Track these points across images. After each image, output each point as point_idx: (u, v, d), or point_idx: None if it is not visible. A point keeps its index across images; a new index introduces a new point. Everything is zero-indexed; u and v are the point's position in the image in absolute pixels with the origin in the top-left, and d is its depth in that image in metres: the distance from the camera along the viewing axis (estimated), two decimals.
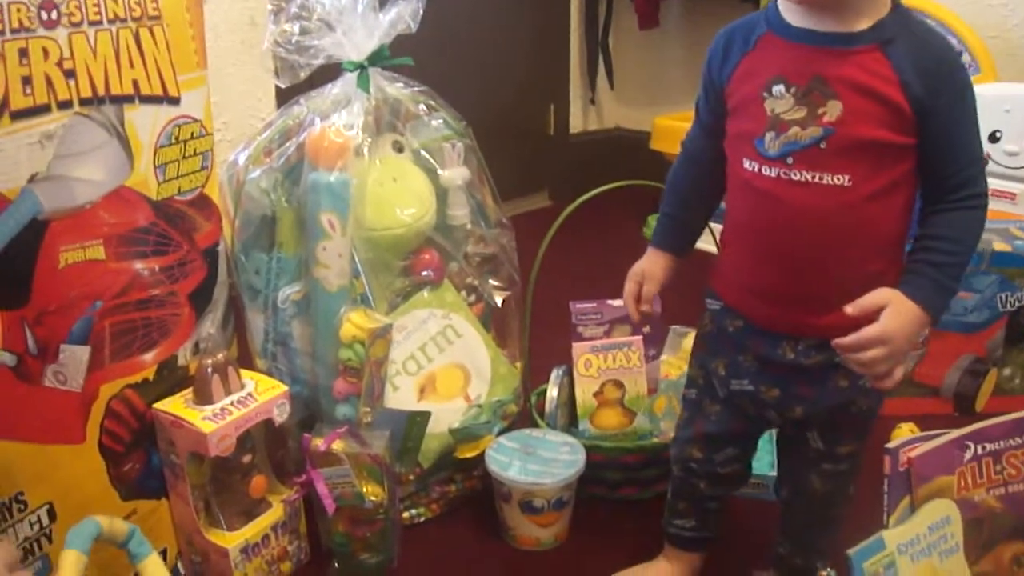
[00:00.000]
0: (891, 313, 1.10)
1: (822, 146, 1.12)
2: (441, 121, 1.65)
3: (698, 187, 1.32)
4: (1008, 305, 1.98)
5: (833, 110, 1.11)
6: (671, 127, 3.00)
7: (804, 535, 1.39)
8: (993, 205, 2.45)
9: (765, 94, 1.16)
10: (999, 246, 1.94)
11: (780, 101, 1.15)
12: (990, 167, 2.48)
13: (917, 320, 1.12)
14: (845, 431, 1.30)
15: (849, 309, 1.11)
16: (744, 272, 1.26)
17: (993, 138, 2.49)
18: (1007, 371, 2.04)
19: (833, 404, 1.26)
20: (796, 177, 1.14)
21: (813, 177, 1.13)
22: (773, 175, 1.15)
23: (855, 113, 1.11)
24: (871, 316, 1.10)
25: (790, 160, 1.14)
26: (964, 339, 2.00)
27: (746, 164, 1.19)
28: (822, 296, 1.17)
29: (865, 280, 1.14)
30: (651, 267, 1.37)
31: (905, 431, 1.76)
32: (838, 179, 1.12)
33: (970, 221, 1.14)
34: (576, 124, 3.66)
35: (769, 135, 1.15)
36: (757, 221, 1.21)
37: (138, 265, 1.34)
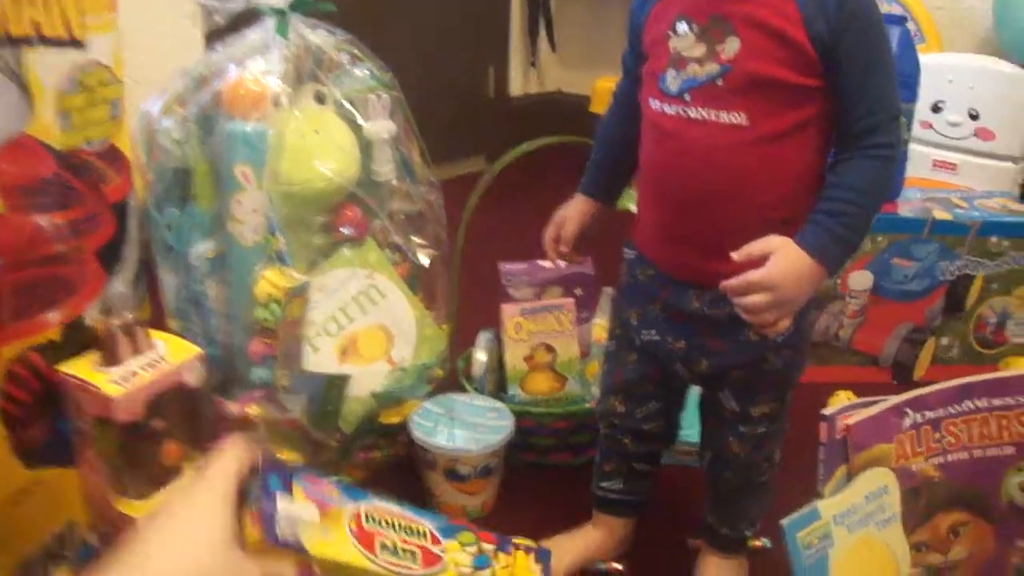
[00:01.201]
0: (778, 259, 1.09)
1: (719, 83, 1.12)
2: (367, 71, 1.59)
3: (623, 134, 1.30)
4: (948, 274, 1.98)
5: (731, 47, 1.11)
6: (611, 89, 2.94)
7: (729, 503, 1.38)
8: (935, 175, 2.52)
9: (670, 32, 1.16)
10: (940, 214, 1.95)
11: (682, 40, 1.15)
12: (932, 137, 2.50)
13: (807, 269, 1.10)
14: (759, 391, 1.28)
15: (735, 255, 1.10)
16: (650, 216, 1.26)
17: (936, 108, 2.52)
18: (945, 340, 2.05)
19: (742, 361, 1.25)
20: (693, 114, 1.14)
21: (709, 114, 1.13)
22: (672, 112, 1.16)
23: (753, 51, 1.10)
24: (759, 263, 1.09)
25: (688, 97, 1.14)
26: (903, 307, 2.00)
27: (651, 103, 1.19)
28: (722, 241, 1.15)
29: (770, 227, 1.12)
30: (571, 211, 1.38)
31: (842, 398, 1.74)
32: (734, 117, 1.11)
33: (874, 171, 1.13)
34: (516, 87, 3.63)
35: (670, 72, 1.16)
36: (659, 160, 1.21)
37: (40, 219, 1.27)
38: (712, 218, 1.17)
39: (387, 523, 0.91)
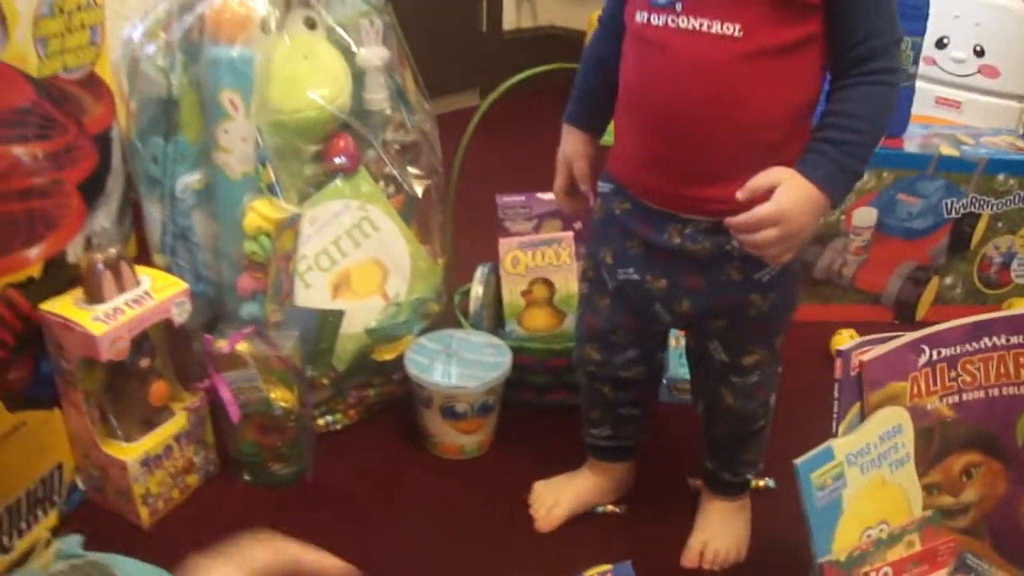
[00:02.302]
0: (785, 191, 1.05)
1: None
2: None
3: (609, 57, 1.24)
4: (953, 212, 1.96)
5: None
6: None
7: (727, 451, 1.37)
8: (937, 112, 2.48)
9: None
10: (946, 151, 1.92)
11: None
12: (936, 74, 2.49)
13: (814, 201, 1.07)
14: (747, 340, 1.26)
15: (739, 194, 1.07)
16: (631, 141, 1.21)
17: (940, 44, 2.50)
18: (949, 279, 2.03)
19: (725, 303, 1.22)
20: (684, 24, 1.08)
21: (701, 25, 1.07)
22: (660, 23, 1.10)
23: None
24: (763, 198, 1.06)
25: (679, 7, 1.09)
26: (907, 245, 1.98)
27: (638, 17, 1.13)
28: (709, 164, 1.13)
29: (758, 151, 1.09)
30: (572, 147, 1.33)
31: (845, 337, 1.76)
32: (727, 28, 1.06)
33: (877, 97, 1.09)
34: (509, 21, 3.58)
35: None
36: (641, 77, 1.16)
37: (17, 150, 1.24)
38: (698, 139, 1.12)
39: None
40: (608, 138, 1.31)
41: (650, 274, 1.23)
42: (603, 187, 1.28)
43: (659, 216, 1.19)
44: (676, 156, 1.14)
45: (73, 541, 1.07)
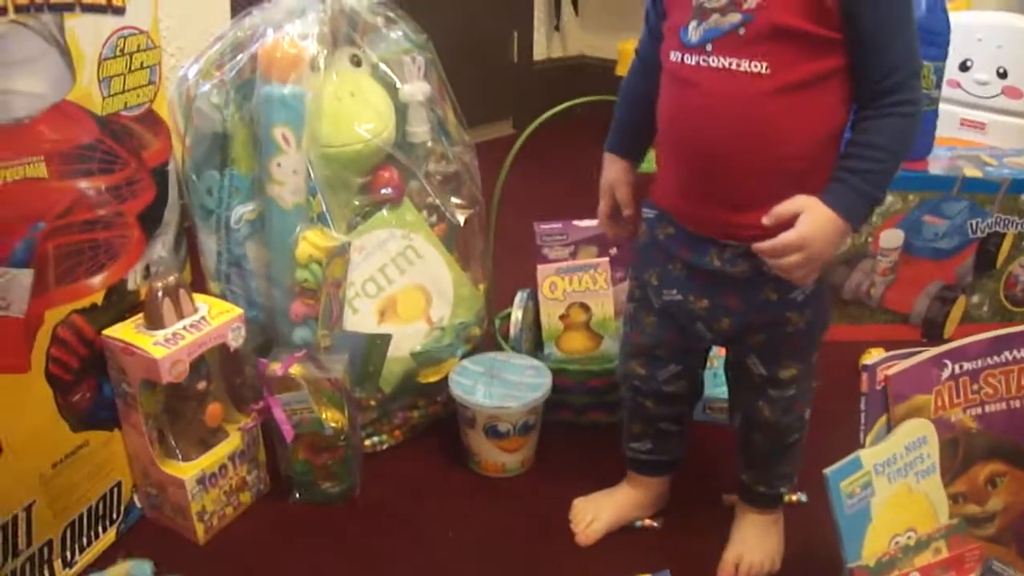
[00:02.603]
0: (807, 219, 1.11)
1: (740, 32, 1.11)
2: (401, 34, 1.59)
3: (646, 91, 1.29)
4: (978, 232, 1.97)
5: None
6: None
7: (763, 463, 1.38)
8: (963, 135, 2.49)
9: None
10: (970, 172, 1.93)
11: None
12: (960, 96, 2.48)
13: (834, 228, 1.12)
14: (784, 354, 1.28)
15: (765, 220, 1.12)
16: (671, 171, 1.26)
17: (964, 67, 2.49)
18: (976, 298, 2.04)
19: (763, 320, 1.25)
20: (714, 64, 1.13)
21: (730, 64, 1.12)
22: (693, 63, 1.15)
23: (774, 0, 1.09)
24: (788, 223, 1.11)
25: (709, 47, 1.13)
26: (934, 265, 1.99)
27: (672, 56, 1.19)
28: (742, 193, 1.17)
29: (788, 179, 1.13)
30: (614, 173, 1.38)
31: (874, 356, 1.75)
32: (755, 66, 1.11)
33: (898, 128, 1.13)
34: (540, 51, 3.61)
35: (692, 24, 1.15)
36: (678, 112, 1.21)
37: (83, 184, 1.28)
38: (732, 169, 1.16)
39: None
40: (647, 165, 1.36)
41: (692, 295, 1.27)
42: (647, 213, 1.32)
43: (699, 240, 1.24)
44: (711, 185, 1.19)
45: (145, 568, 1.12)
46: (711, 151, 1.17)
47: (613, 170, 1.38)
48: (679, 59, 1.17)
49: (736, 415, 1.38)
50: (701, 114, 1.16)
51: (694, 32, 1.14)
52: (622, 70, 3.02)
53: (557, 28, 3.62)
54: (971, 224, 1.96)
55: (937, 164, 1.97)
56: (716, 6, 1.12)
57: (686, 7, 1.15)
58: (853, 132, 1.15)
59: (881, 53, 1.10)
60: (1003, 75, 2.44)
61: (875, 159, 1.12)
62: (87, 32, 1.26)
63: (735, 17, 1.11)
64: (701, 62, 1.14)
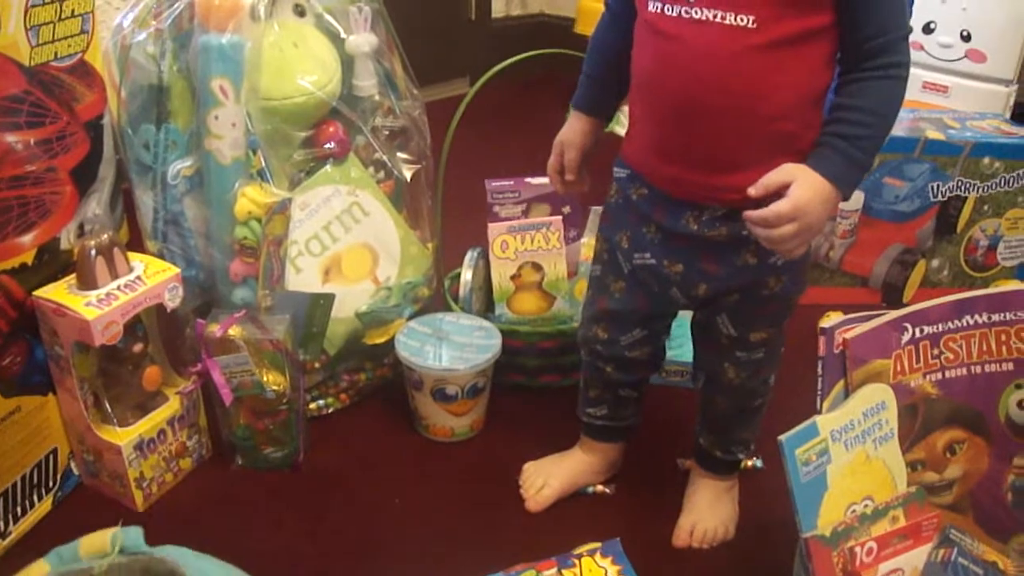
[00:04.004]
0: (799, 187, 1.07)
1: None
2: None
3: (617, 44, 1.24)
4: (939, 195, 1.96)
5: None
6: (597, 9, 2.91)
7: (723, 426, 1.37)
8: (925, 98, 2.48)
9: None
10: (932, 134, 1.92)
11: None
12: (923, 59, 2.49)
13: (827, 195, 1.08)
14: (757, 316, 1.26)
15: (752, 191, 1.08)
16: (646, 128, 1.21)
17: (927, 29, 2.50)
18: (936, 262, 2.04)
19: (740, 284, 1.23)
20: (698, 15, 1.08)
21: (715, 16, 1.07)
22: (674, 14, 1.10)
23: None
24: (777, 193, 1.07)
25: None
26: (894, 228, 1.99)
27: (651, 6, 1.13)
28: (724, 154, 1.13)
29: (772, 140, 1.10)
30: (569, 134, 1.33)
31: (833, 320, 1.74)
32: (741, 19, 1.06)
33: (887, 91, 1.09)
34: (499, 9, 3.58)
35: None
36: (656, 67, 1.15)
37: (10, 138, 1.25)
38: (714, 129, 1.12)
39: None
40: (615, 126, 1.31)
41: (667, 259, 1.24)
42: (619, 172, 1.28)
43: (676, 203, 1.20)
44: (691, 145, 1.14)
45: (135, 534, 1.08)
46: (692, 108, 1.12)
47: (572, 129, 1.33)
48: (659, 9, 1.11)
49: (700, 376, 1.37)
50: (682, 69, 1.11)
51: None
52: (582, 28, 3.00)
53: None
54: (932, 187, 1.94)
55: (899, 126, 1.95)
56: None
57: None
58: (838, 95, 1.11)
59: (870, 13, 1.06)
60: (967, 38, 2.44)
61: (865, 123, 1.08)
62: None
63: None
64: (683, 13, 1.09)
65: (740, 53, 1.07)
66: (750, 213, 1.08)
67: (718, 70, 1.08)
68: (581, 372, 1.44)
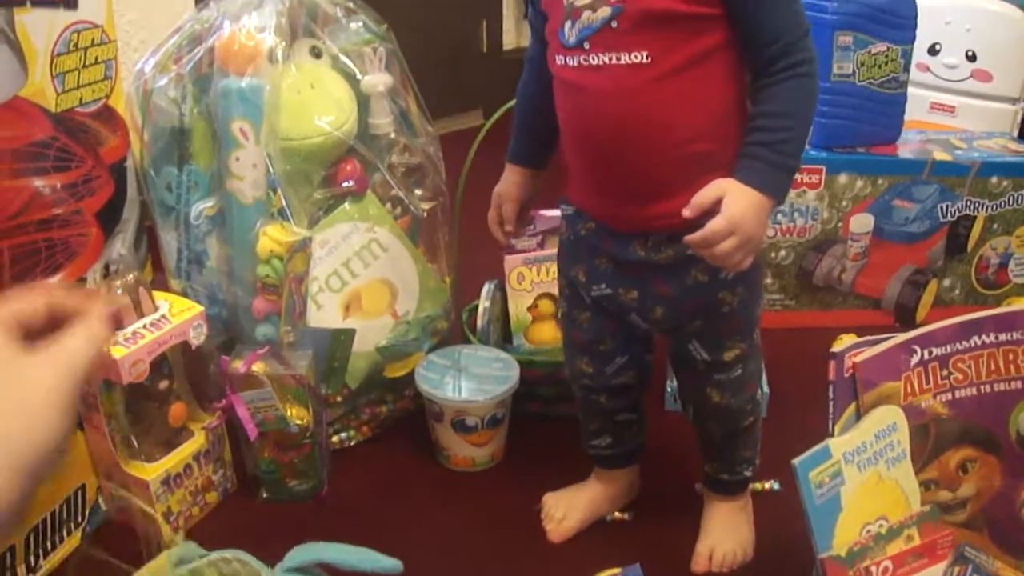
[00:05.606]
0: (731, 202, 1.08)
1: (613, 25, 1.09)
2: (361, 24, 1.58)
3: (541, 96, 1.26)
4: (948, 215, 1.97)
5: None
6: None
7: (721, 451, 1.38)
8: (932, 118, 2.49)
9: None
10: (940, 156, 1.93)
11: None
12: (929, 80, 2.49)
13: (759, 205, 1.09)
14: (724, 335, 1.27)
15: (686, 212, 1.09)
16: (579, 171, 1.24)
17: (932, 51, 2.50)
18: (947, 282, 2.04)
19: (696, 304, 1.24)
20: (595, 61, 1.11)
21: (611, 59, 1.10)
22: (575, 64, 1.13)
23: None
24: (712, 211, 1.08)
25: (587, 45, 1.11)
26: (905, 249, 1.99)
27: (557, 60, 1.17)
28: (649, 184, 1.15)
29: (694, 162, 1.12)
30: (506, 187, 1.38)
31: (847, 343, 1.75)
32: (635, 56, 1.09)
33: (796, 91, 1.11)
34: (510, 41, 3.60)
35: (567, 25, 1.13)
36: (571, 115, 1.19)
37: (37, 182, 1.28)
38: (636, 163, 1.14)
39: None
40: None
41: (622, 287, 1.26)
42: (566, 210, 1.31)
43: (621, 234, 1.22)
44: (620, 181, 1.17)
45: (190, 547, 1.10)
46: (606, 151, 1.15)
47: (508, 182, 1.37)
48: (563, 62, 1.15)
49: (688, 407, 1.38)
50: (593, 114, 1.14)
51: (570, 33, 1.12)
52: None
53: (526, 16, 3.60)
54: (941, 208, 1.95)
55: (907, 148, 1.97)
56: (585, 3, 1.10)
57: (558, 8, 1.14)
58: (754, 103, 1.13)
59: (764, 21, 1.08)
60: (972, 58, 2.45)
61: (782, 127, 1.10)
62: (38, 27, 1.25)
63: (605, 11, 1.09)
64: (582, 62, 1.12)
65: (641, 88, 1.09)
66: (689, 237, 1.09)
67: (624, 109, 1.11)
68: (578, 408, 1.44)
